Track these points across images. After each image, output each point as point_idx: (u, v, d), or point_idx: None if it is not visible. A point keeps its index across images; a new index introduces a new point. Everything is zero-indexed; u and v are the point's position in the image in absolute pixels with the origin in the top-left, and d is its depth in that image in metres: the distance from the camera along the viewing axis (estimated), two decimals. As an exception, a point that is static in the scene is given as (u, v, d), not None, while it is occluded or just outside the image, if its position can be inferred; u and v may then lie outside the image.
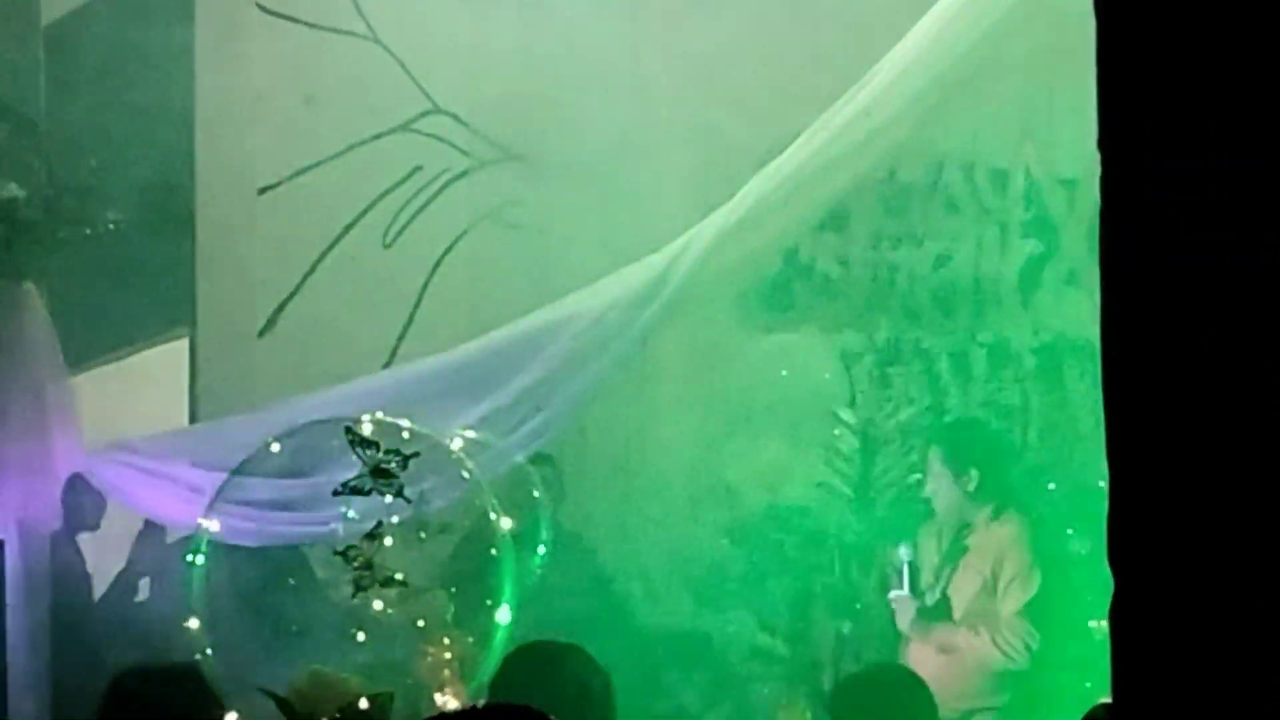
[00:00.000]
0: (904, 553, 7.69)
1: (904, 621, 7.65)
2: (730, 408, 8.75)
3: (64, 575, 7.74)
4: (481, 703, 5.33)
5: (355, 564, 5.96)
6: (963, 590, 7.59)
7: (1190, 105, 1.82)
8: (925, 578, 7.70)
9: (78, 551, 7.86)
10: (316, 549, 6.62)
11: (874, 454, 8.76)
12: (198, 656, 6.05)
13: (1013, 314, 8.83)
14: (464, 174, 9.09)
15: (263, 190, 8.88)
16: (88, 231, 8.09)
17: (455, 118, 9.07)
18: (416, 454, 6.05)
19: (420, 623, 6.14)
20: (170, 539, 7.78)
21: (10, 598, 7.28)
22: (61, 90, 8.38)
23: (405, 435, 6.13)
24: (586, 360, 7.38)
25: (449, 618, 6.22)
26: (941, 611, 7.61)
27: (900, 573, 7.68)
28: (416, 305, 8.97)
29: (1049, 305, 8.75)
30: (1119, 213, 1.89)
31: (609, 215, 8.59)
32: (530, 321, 7.50)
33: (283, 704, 5.01)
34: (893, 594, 7.72)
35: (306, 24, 8.88)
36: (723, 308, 8.69)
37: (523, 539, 6.69)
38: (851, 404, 8.84)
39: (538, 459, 7.44)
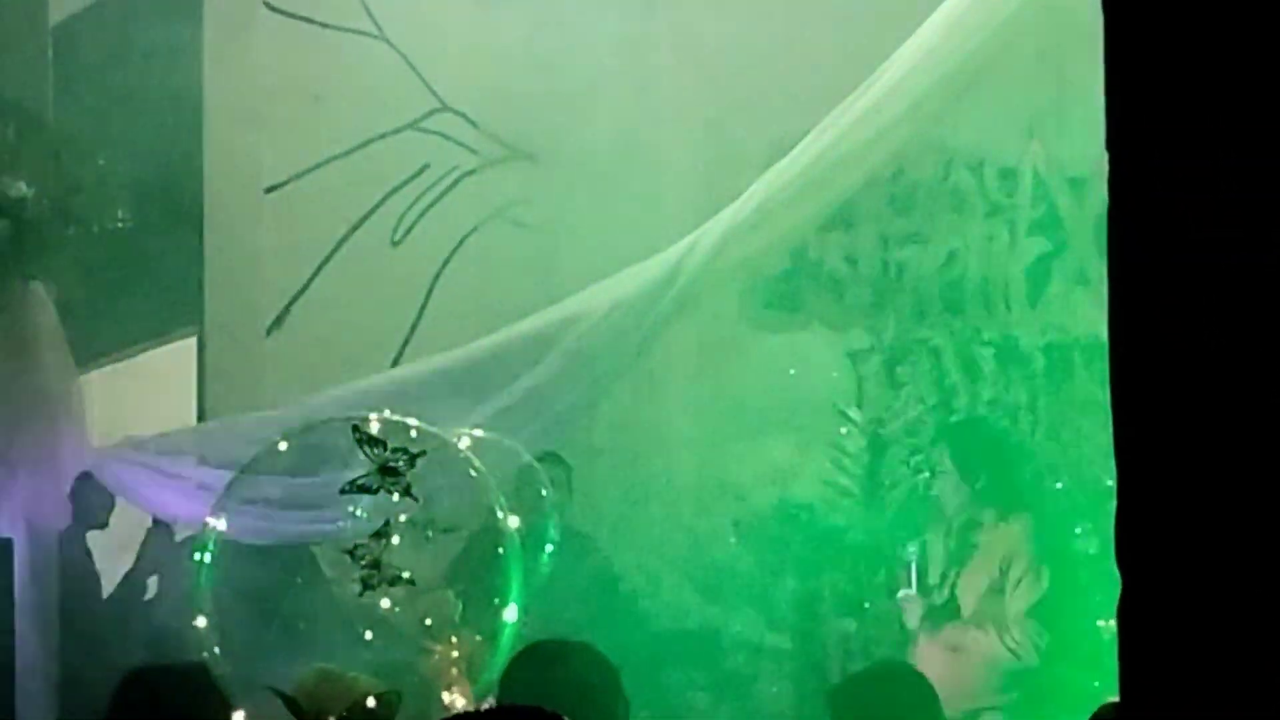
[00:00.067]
0: (911, 552, 7.69)
1: (912, 621, 7.65)
2: (737, 407, 8.75)
3: (72, 573, 7.75)
4: (490, 703, 5.33)
5: (363, 562, 5.97)
6: (971, 589, 7.58)
7: (1199, 104, 1.82)
8: (933, 577, 7.69)
9: (86, 550, 7.87)
10: (324, 547, 6.62)
11: (881, 453, 8.76)
12: (205, 655, 6.06)
13: (1021, 313, 8.82)
14: (472, 172, 9.10)
15: (270, 189, 8.88)
16: (95, 230, 8.10)
17: (463, 116, 9.07)
18: (424, 452, 6.05)
19: (428, 621, 6.14)
20: (178, 537, 7.79)
21: (19, 596, 7.29)
22: (69, 89, 8.39)
23: (413, 434, 6.13)
24: (594, 358, 7.38)
25: (456, 616, 6.23)
26: (949, 611, 7.60)
27: (908, 572, 7.67)
28: (424, 303, 8.97)
29: (1057, 304, 8.74)
30: (1127, 211, 1.88)
31: (617, 214, 8.60)
32: (538, 320, 7.51)
33: (290, 702, 5.02)
34: (901, 593, 7.72)
35: (314, 23, 8.89)
36: (730, 306, 8.70)
37: (530, 538, 6.69)
38: (859, 403, 8.83)
39: (546, 457, 7.44)
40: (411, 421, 6.22)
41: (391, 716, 5.04)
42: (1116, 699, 1.92)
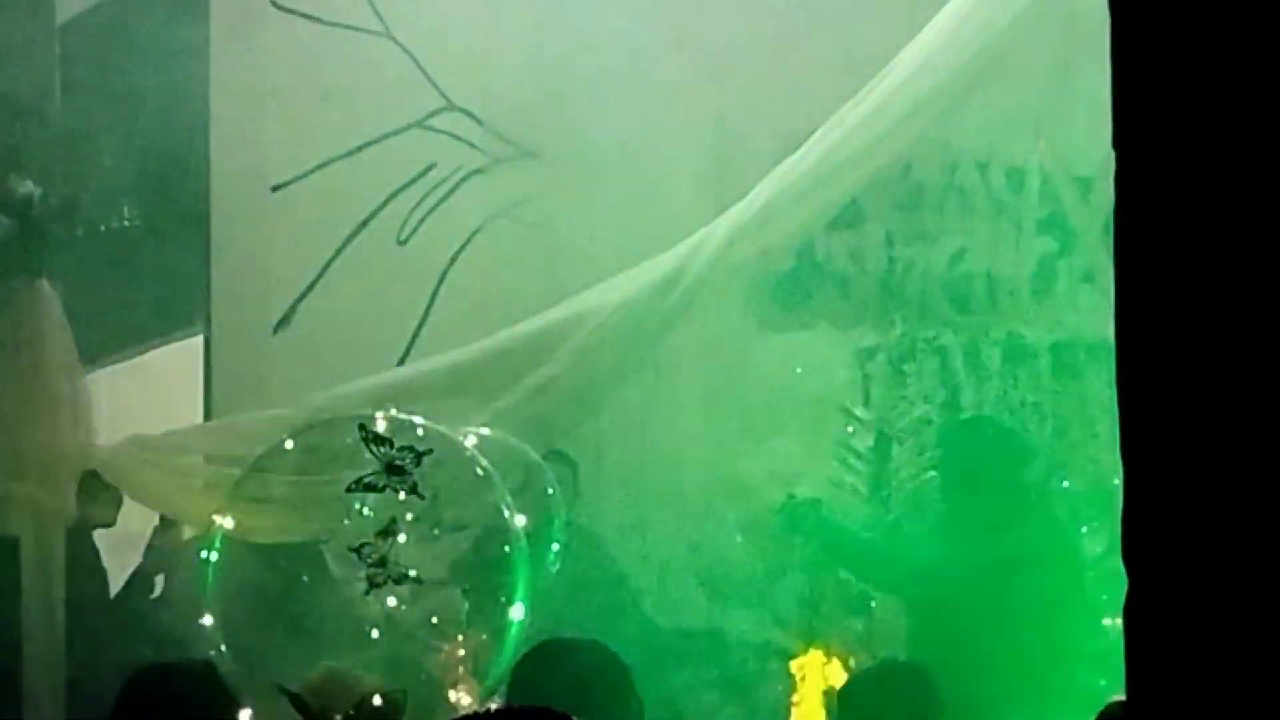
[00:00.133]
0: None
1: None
2: (744, 405, 8.74)
3: (79, 571, 7.75)
4: (498, 704, 5.34)
5: (369, 561, 5.98)
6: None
7: (1205, 104, 1.82)
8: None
9: (93, 548, 7.87)
10: (331, 546, 6.63)
11: (888, 451, 8.75)
12: (212, 653, 6.07)
13: (1027, 312, 8.82)
14: (478, 171, 9.09)
15: (277, 187, 8.88)
16: (102, 229, 8.10)
17: (469, 115, 9.07)
18: (430, 451, 6.06)
19: (434, 620, 6.15)
20: (185, 536, 7.79)
21: (25, 594, 7.29)
22: (76, 88, 8.38)
23: (419, 432, 6.14)
24: (600, 356, 7.38)
25: (463, 615, 6.24)
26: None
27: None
28: (430, 302, 8.97)
29: (1063, 303, 8.74)
30: (1134, 211, 1.88)
31: (623, 213, 8.59)
32: (544, 318, 7.50)
33: (297, 700, 5.02)
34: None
35: (321, 21, 8.88)
36: (737, 305, 8.69)
37: (537, 536, 6.69)
38: (865, 401, 8.83)
39: (552, 456, 7.44)
40: (418, 420, 6.23)
41: (398, 715, 5.04)
42: (1123, 698, 1.92)
